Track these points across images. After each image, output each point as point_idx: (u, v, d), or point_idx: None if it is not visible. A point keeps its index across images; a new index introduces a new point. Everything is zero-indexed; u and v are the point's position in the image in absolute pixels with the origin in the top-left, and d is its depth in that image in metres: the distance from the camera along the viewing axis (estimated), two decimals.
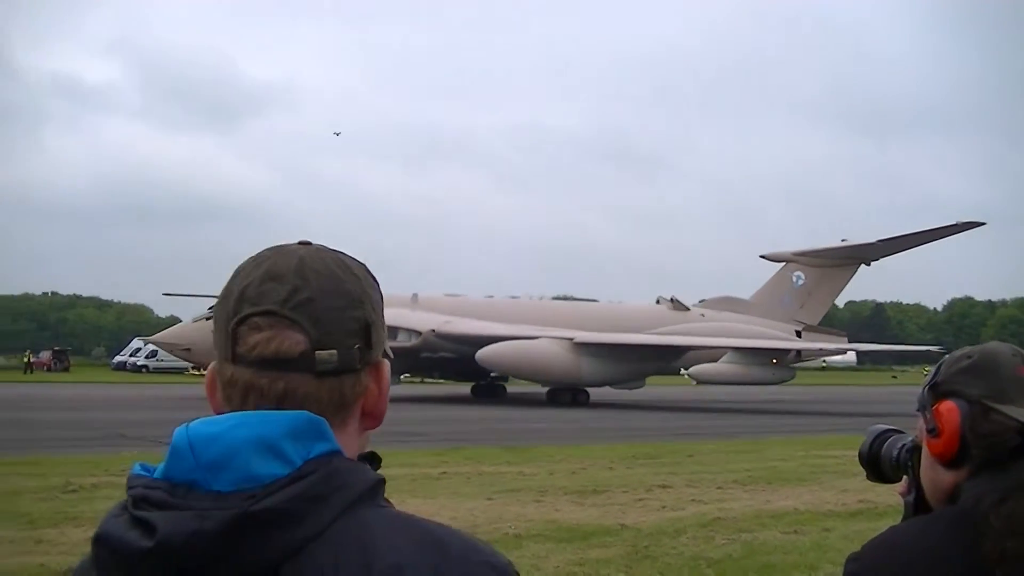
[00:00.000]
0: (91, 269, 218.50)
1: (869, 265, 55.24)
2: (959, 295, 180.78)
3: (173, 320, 65.54)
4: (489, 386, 49.75)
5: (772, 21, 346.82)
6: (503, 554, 1.52)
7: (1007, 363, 2.31)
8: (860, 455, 2.70)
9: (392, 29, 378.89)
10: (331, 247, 1.68)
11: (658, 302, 54.16)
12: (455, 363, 47.59)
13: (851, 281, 55.64)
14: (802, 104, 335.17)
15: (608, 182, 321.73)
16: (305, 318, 1.55)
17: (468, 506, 13.62)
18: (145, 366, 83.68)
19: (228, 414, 1.52)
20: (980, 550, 2.11)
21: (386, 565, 1.44)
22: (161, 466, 1.48)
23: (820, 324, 55.66)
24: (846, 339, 59.55)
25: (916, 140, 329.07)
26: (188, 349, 47.03)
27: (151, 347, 71.15)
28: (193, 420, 1.50)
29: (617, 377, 45.18)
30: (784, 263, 55.38)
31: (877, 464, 2.65)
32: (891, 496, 11.22)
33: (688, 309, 53.11)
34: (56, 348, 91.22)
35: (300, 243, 1.66)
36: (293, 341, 1.54)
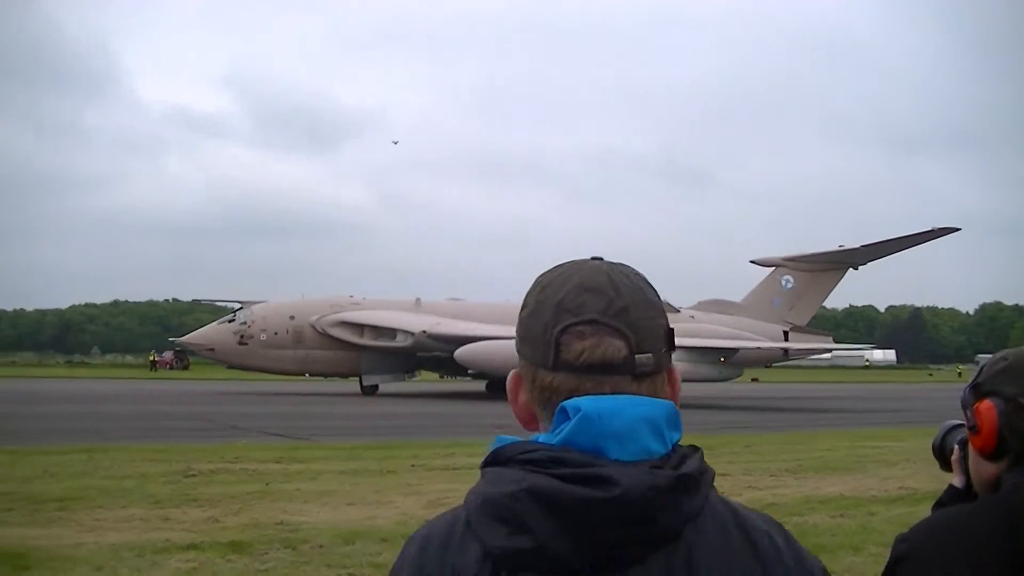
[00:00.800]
0: (207, 278, 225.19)
1: (857, 269, 55.20)
2: (989, 300, 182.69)
3: None
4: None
5: (808, 46, 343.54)
6: None
7: None
8: (933, 447, 2.92)
9: (474, 61, 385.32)
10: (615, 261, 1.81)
11: None
12: (448, 361, 47.90)
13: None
14: (836, 122, 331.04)
15: (666, 198, 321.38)
16: (624, 325, 1.66)
17: None
18: None
19: (611, 395, 1.64)
20: (1018, 535, 2.25)
21: (759, 529, 1.65)
22: (558, 435, 1.60)
23: (809, 324, 55.27)
24: (831, 339, 59.74)
25: (946, 157, 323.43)
26: (212, 349, 49.30)
27: None
28: (577, 397, 1.63)
29: None
30: (774, 267, 55.55)
31: (946, 455, 2.88)
32: (930, 483, 12.17)
33: (678, 311, 52.92)
34: (177, 348, 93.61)
35: (592, 258, 1.79)
36: (616, 347, 1.65)
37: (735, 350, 46.60)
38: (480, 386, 50.83)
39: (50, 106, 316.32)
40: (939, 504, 2.77)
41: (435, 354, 47.99)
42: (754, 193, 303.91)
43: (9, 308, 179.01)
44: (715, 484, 1.68)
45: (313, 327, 47.95)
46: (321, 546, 10.42)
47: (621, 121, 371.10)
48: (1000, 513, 2.31)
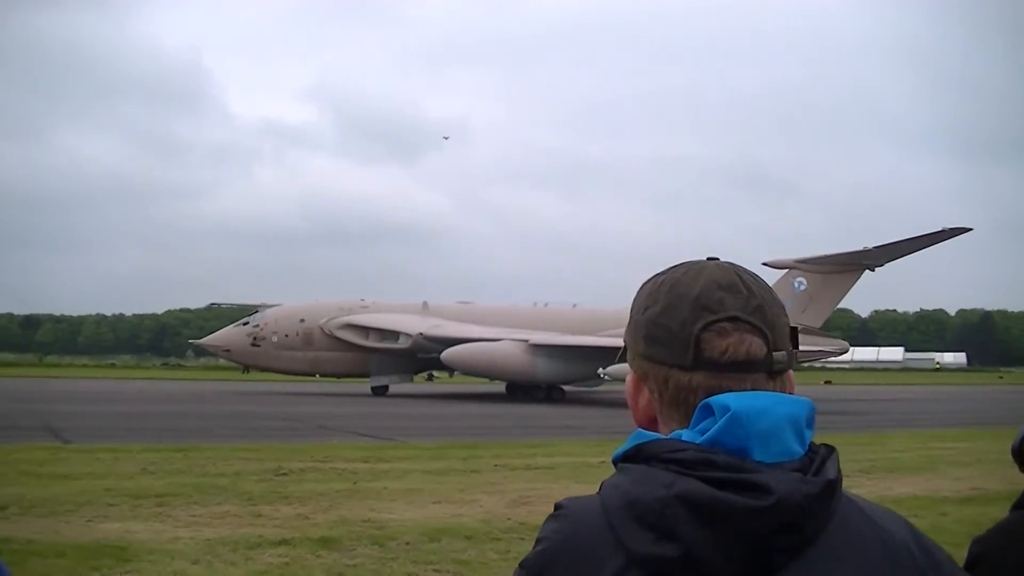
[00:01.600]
0: (297, 283, 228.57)
1: (874, 271, 53.99)
2: None
3: None
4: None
5: (877, 56, 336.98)
6: None
7: None
8: (1012, 449, 2.78)
9: (551, 71, 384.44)
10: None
11: None
12: None
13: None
14: (907, 130, 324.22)
15: (736, 204, 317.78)
16: (762, 323, 1.64)
17: None
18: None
19: (756, 392, 1.62)
20: None
21: (886, 528, 1.63)
22: (705, 433, 1.57)
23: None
24: (843, 344, 58.67)
25: (1017, 162, 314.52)
26: (228, 350, 50.63)
27: None
28: (722, 394, 1.60)
29: (570, 376, 45.60)
30: (786, 270, 54.43)
31: None
32: (1002, 484, 12.14)
33: None
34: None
35: (708, 258, 1.77)
36: (757, 344, 1.63)
37: None
38: (500, 387, 50.75)
39: (147, 120, 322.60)
40: (1018, 506, 2.62)
41: (433, 355, 48.25)
42: (825, 199, 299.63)
43: (109, 313, 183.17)
44: None
45: (322, 329, 48.90)
46: (408, 543, 10.66)
47: (691, 129, 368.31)
48: None
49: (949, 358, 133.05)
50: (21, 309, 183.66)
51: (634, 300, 1.79)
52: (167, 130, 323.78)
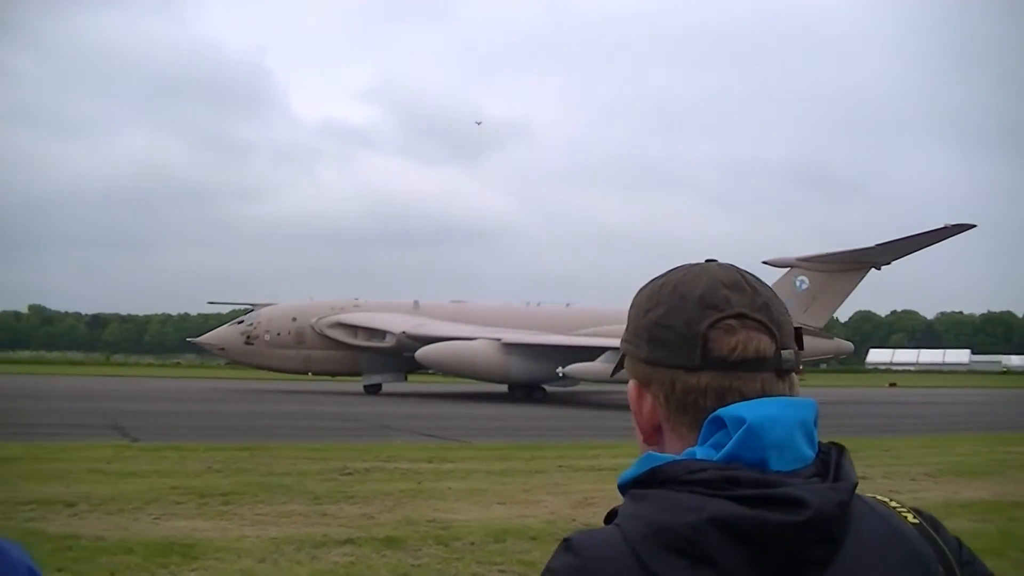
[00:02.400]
0: (360, 283, 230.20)
1: (880, 269, 52.85)
2: None
3: None
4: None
5: (940, 55, 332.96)
6: None
7: None
8: None
9: (612, 71, 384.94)
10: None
11: None
12: None
13: None
14: (976, 133, 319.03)
15: (797, 204, 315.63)
16: (769, 320, 1.62)
17: None
18: None
19: (763, 399, 1.58)
20: None
21: (898, 522, 1.61)
22: (721, 449, 1.53)
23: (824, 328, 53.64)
24: (847, 345, 57.17)
25: None
26: (223, 349, 51.22)
27: None
28: (731, 405, 1.56)
29: (542, 375, 44.88)
30: (788, 268, 53.64)
31: None
32: None
33: None
34: None
35: (708, 260, 1.75)
36: (766, 341, 1.60)
37: None
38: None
39: (211, 121, 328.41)
40: None
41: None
42: (890, 199, 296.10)
43: (174, 313, 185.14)
44: (859, 488, 1.61)
45: (312, 328, 49.29)
46: (472, 543, 10.65)
47: (753, 129, 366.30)
48: None
49: (1016, 361, 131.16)
50: (88, 309, 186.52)
51: (632, 305, 1.76)
52: (231, 131, 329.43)
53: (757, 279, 1.70)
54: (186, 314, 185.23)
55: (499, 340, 44.78)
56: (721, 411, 1.55)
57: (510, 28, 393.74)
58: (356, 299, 51.99)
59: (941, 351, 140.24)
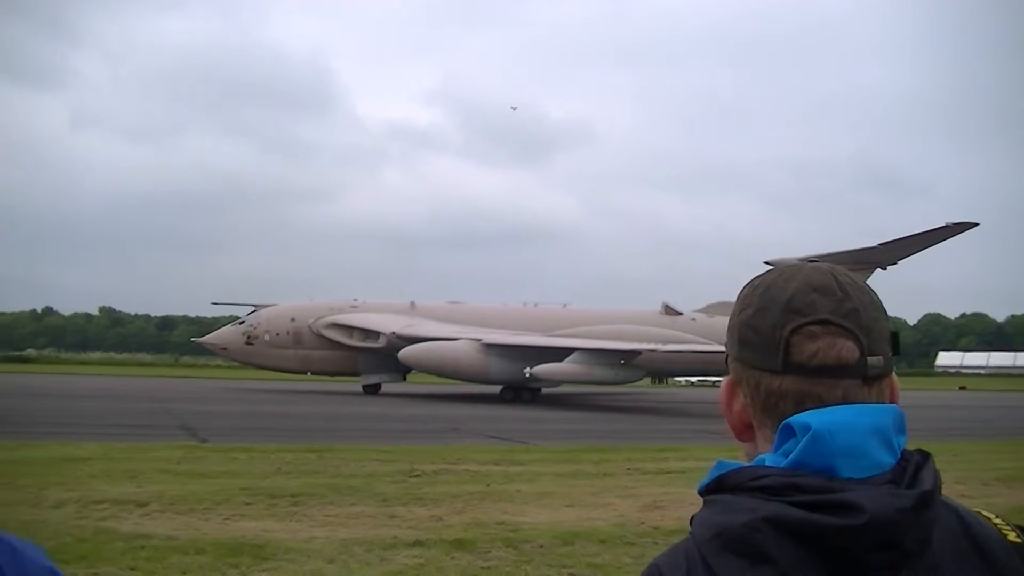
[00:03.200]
0: (424, 284, 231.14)
1: (886, 268, 52.14)
2: None
3: None
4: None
5: (1004, 54, 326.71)
6: None
7: None
8: None
9: (674, 73, 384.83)
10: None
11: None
12: None
13: None
14: None
15: (866, 207, 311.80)
16: (856, 326, 1.59)
17: None
18: None
19: (840, 406, 1.55)
20: None
21: (984, 532, 1.59)
22: (787, 456, 1.52)
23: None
24: None
25: None
26: (225, 348, 51.83)
27: None
28: (802, 413, 1.54)
29: (522, 375, 44.66)
30: None
31: None
32: None
33: (680, 314, 52.50)
34: None
35: (809, 261, 1.73)
36: (849, 348, 1.57)
37: (636, 352, 44.58)
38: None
39: (275, 123, 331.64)
40: None
41: None
42: (954, 201, 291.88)
43: (241, 313, 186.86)
44: None
45: (310, 328, 49.74)
46: (541, 546, 10.62)
47: (816, 129, 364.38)
48: None
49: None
50: (157, 311, 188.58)
51: (735, 304, 1.75)
52: (296, 133, 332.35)
53: (854, 283, 1.67)
54: None
55: (479, 340, 44.93)
56: (790, 419, 1.55)
57: (572, 29, 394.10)
58: (355, 300, 52.46)
59: (1012, 354, 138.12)
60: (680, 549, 1.56)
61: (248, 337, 50.27)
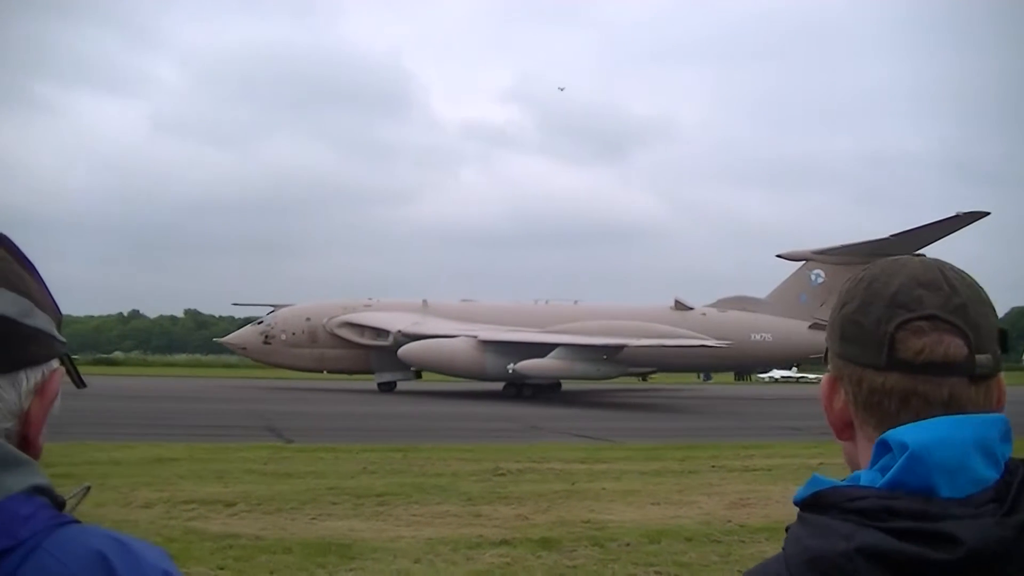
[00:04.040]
0: (505, 285, 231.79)
1: None
2: None
3: None
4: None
5: None
6: None
7: None
8: None
9: (753, 68, 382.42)
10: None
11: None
12: None
13: None
14: None
15: (953, 200, 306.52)
16: (964, 323, 1.52)
17: None
18: None
19: (938, 418, 1.48)
20: None
21: None
22: (884, 476, 1.45)
23: None
24: None
25: None
26: (244, 348, 52.47)
27: None
28: (900, 426, 1.48)
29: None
30: (803, 262, 52.64)
31: None
32: None
33: (691, 309, 51.95)
34: None
35: (914, 254, 1.63)
36: (957, 345, 1.50)
37: (619, 347, 44.10)
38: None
39: (352, 125, 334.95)
40: None
41: None
42: None
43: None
44: None
45: (324, 327, 50.05)
46: (627, 544, 10.55)
47: (897, 122, 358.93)
48: None
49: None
50: (241, 313, 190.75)
51: (836, 298, 1.68)
52: (373, 134, 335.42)
53: (962, 277, 1.59)
54: None
55: (476, 337, 44.96)
56: (886, 434, 1.47)
57: (649, 25, 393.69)
58: (369, 299, 52.84)
59: None
60: (772, 568, 1.50)
61: (266, 337, 51.02)
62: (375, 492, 13.75)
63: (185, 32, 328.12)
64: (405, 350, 45.70)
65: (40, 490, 1.41)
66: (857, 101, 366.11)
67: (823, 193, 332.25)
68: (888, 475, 1.44)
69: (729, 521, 12.08)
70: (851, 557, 1.37)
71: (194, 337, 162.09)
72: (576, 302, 55.10)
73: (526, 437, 24.07)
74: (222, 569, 9.20)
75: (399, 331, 47.26)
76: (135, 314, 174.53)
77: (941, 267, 1.60)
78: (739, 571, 7.58)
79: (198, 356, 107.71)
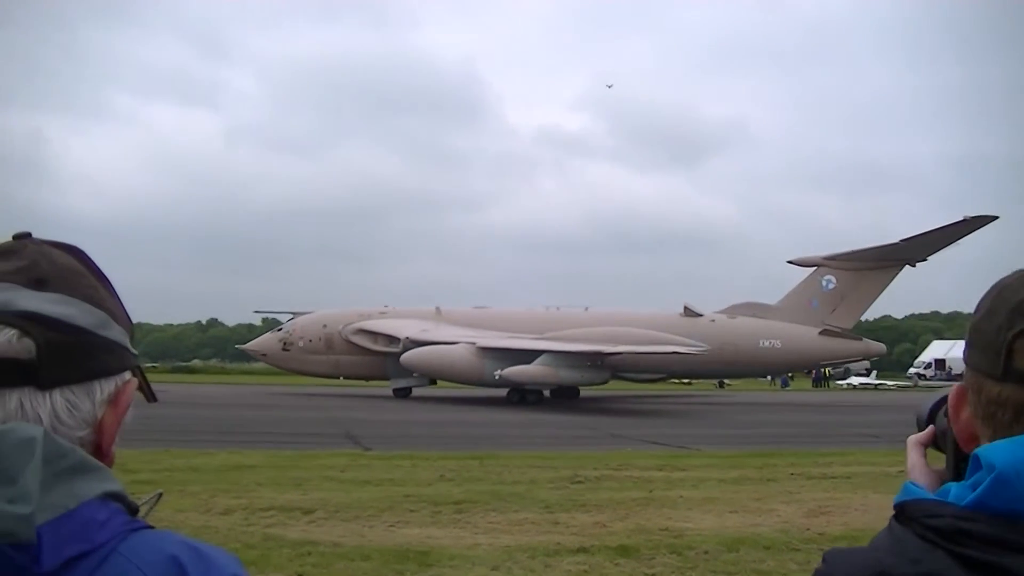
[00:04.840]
0: (579, 291, 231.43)
1: (915, 266, 50.31)
2: None
3: None
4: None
5: None
6: None
7: None
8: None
9: (828, 71, 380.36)
10: None
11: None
12: None
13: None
14: None
15: None
16: None
17: None
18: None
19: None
20: None
21: None
22: (972, 493, 1.37)
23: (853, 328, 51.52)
24: (878, 346, 54.06)
25: None
26: (264, 354, 53.08)
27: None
28: (993, 442, 1.43)
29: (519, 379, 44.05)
30: (814, 268, 51.50)
31: None
32: None
33: (701, 316, 51.34)
34: None
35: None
36: None
37: (603, 354, 43.97)
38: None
39: (427, 132, 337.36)
40: None
41: None
42: None
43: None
44: None
45: (340, 334, 50.57)
46: (706, 552, 10.49)
47: (977, 124, 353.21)
48: None
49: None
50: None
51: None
52: (448, 142, 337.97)
53: None
54: None
55: (474, 344, 45.10)
56: (979, 450, 1.41)
57: (722, 31, 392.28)
58: (385, 306, 53.65)
59: None
60: (853, 563, 1.46)
61: (284, 343, 51.73)
62: (453, 499, 13.78)
63: (259, 42, 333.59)
64: (407, 356, 46.15)
65: (114, 496, 1.43)
66: (933, 104, 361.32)
67: (903, 197, 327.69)
68: (974, 494, 1.37)
69: (808, 529, 12.00)
70: None
71: None
72: (587, 308, 55.23)
73: (604, 445, 23.96)
74: None
75: (407, 337, 47.79)
76: (213, 322, 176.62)
77: None
78: None
79: None
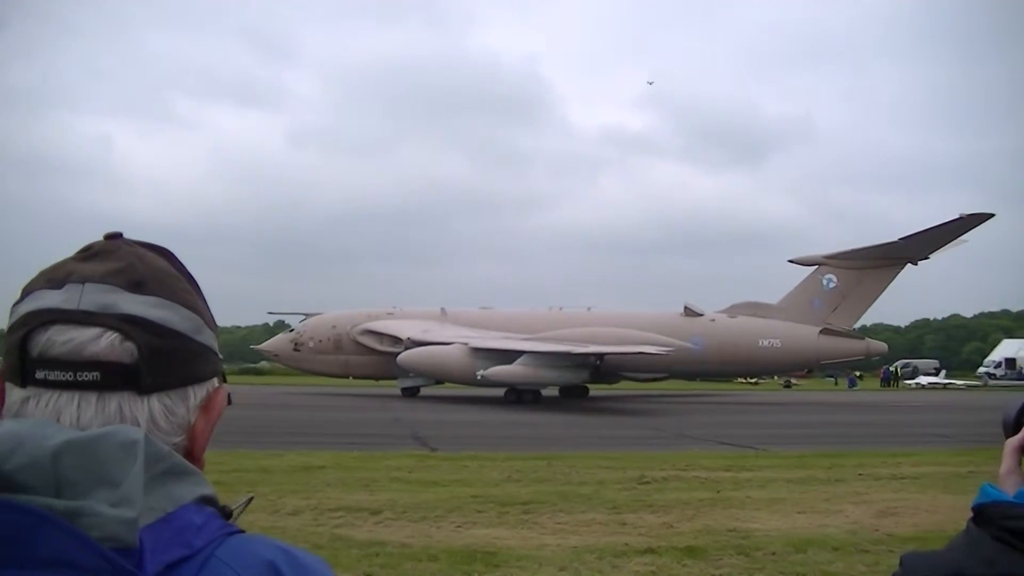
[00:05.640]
0: (645, 292, 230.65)
1: (916, 264, 49.51)
2: None
3: None
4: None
5: None
6: None
7: None
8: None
9: (891, 68, 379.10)
10: None
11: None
12: None
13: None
14: None
15: None
16: None
17: None
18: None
19: None
20: None
21: None
22: None
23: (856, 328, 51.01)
24: (879, 345, 53.20)
25: None
26: (276, 355, 54.05)
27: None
28: None
29: (511, 379, 43.93)
30: (815, 267, 50.81)
31: None
32: None
33: (701, 315, 51.09)
34: None
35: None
36: None
37: (586, 355, 43.96)
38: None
39: (489, 133, 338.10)
40: None
41: None
42: None
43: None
44: None
45: (348, 335, 51.19)
46: (773, 553, 10.44)
47: None
48: None
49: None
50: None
51: None
52: (510, 142, 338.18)
53: None
54: None
55: (467, 344, 45.22)
56: None
57: (784, 27, 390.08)
58: (393, 307, 54.10)
59: None
60: (930, 564, 1.46)
61: (295, 344, 52.52)
62: (520, 500, 13.81)
63: (319, 44, 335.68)
64: (404, 357, 46.61)
65: (207, 500, 1.45)
66: (999, 99, 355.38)
67: (969, 195, 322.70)
68: None
69: (877, 530, 11.90)
70: None
71: None
72: (589, 308, 55.21)
73: (670, 445, 23.90)
74: None
75: (408, 338, 48.29)
76: (280, 324, 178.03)
77: None
78: None
79: None
